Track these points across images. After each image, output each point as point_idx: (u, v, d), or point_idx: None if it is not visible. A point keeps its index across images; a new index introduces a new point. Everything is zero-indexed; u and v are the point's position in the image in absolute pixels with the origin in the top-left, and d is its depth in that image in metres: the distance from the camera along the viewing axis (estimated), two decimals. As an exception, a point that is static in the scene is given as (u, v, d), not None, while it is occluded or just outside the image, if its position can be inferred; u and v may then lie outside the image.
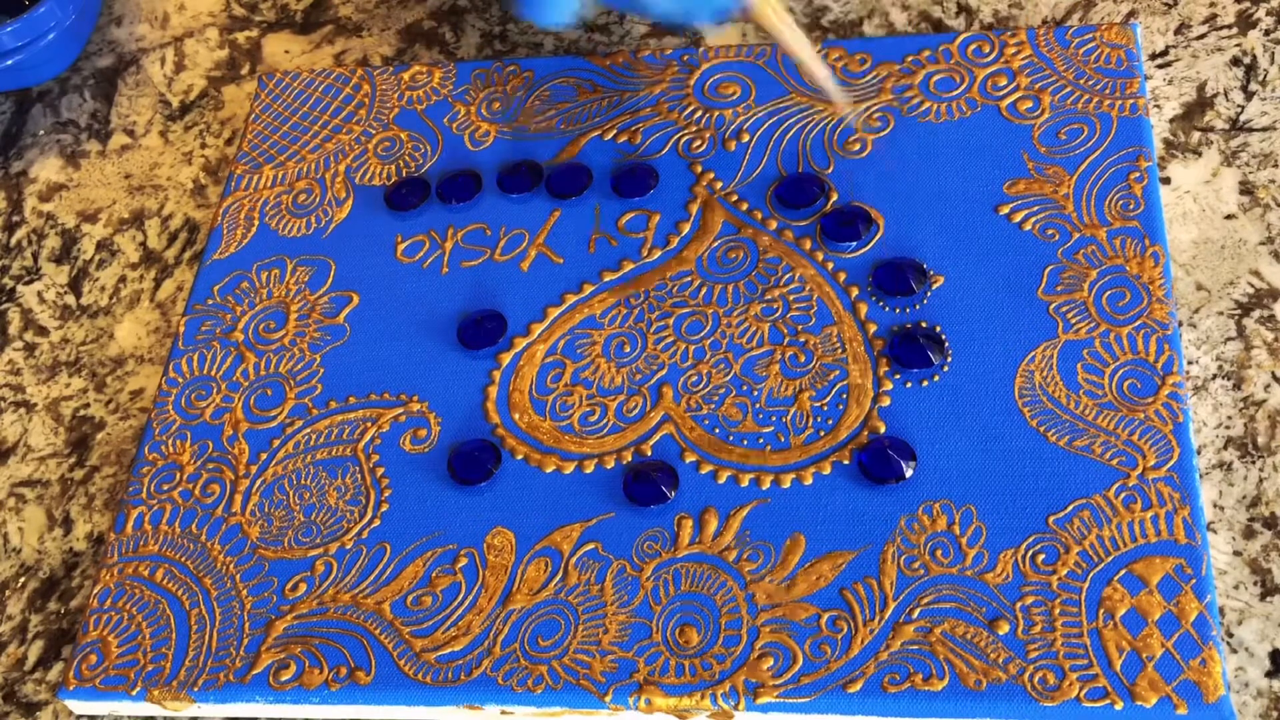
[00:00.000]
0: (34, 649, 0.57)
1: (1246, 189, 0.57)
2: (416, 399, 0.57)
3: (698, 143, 0.61)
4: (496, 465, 0.54)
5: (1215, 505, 0.50)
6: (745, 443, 0.53)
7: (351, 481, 0.55)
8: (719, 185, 0.60)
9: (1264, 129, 0.58)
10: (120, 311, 0.66)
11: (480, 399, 0.56)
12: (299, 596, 0.53)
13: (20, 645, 0.57)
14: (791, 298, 0.56)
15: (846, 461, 0.52)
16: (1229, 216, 0.56)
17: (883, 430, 0.52)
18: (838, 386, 0.54)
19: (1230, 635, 0.48)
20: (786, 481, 0.52)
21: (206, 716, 0.53)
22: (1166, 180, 0.57)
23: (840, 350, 0.54)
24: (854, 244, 0.57)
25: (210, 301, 0.62)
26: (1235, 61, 0.60)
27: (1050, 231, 0.55)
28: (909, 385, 0.53)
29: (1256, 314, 0.54)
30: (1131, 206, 0.55)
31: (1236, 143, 0.58)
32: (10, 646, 0.57)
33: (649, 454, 0.54)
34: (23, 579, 0.59)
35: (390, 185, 0.64)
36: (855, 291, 0.56)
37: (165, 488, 0.57)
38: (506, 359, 0.57)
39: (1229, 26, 0.61)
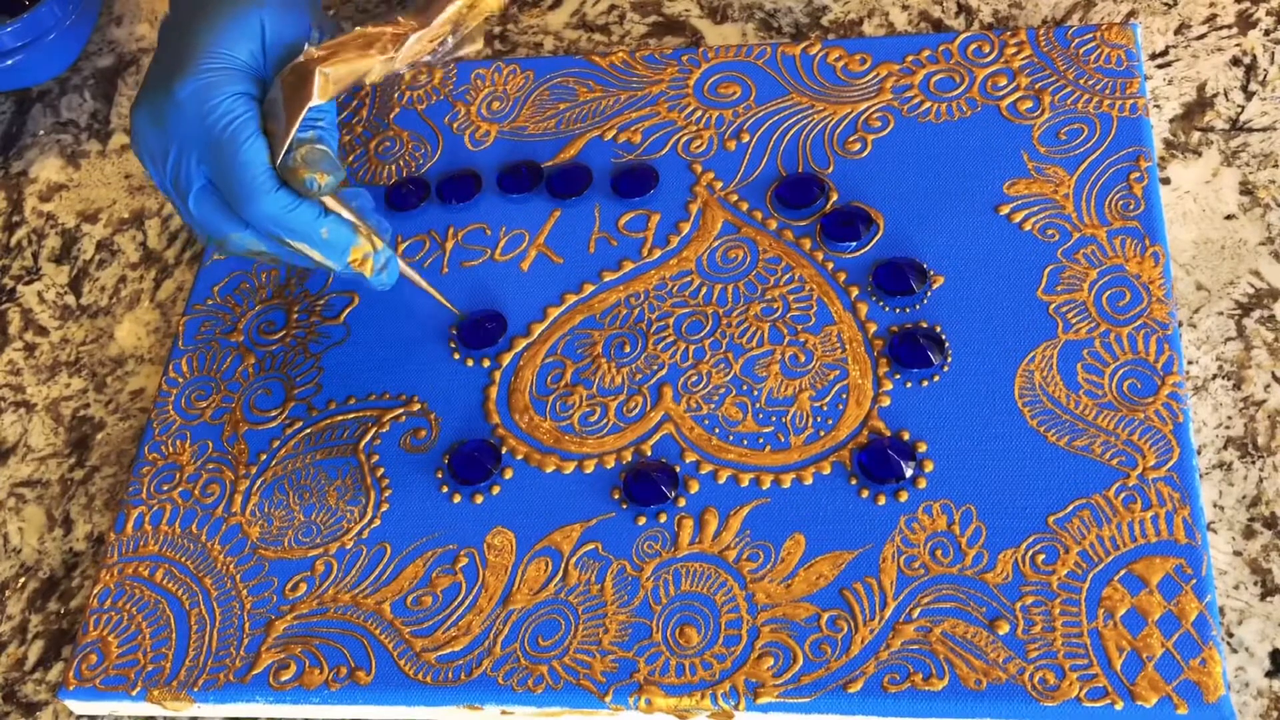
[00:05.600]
0: (34, 649, 0.57)
1: (1246, 189, 0.57)
2: (416, 399, 0.57)
3: (697, 143, 0.61)
4: (496, 465, 0.54)
5: (1215, 505, 0.50)
6: (745, 443, 0.53)
7: (351, 481, 0.55)
8: (719, 185, 0.60)
9: (1264, 129, 0.58)
10: (120, 311, 0.66)
11: (480, 399, 0.56)
12: (299, 597, 0.53)
13: (20, 645, 0.57)
14: (791, 298, 0.56)
15: (847, 462, 0.52)
16: (1229, 216, 0.56)
17: (883, 430, 0.52)
18: (838, 386, 0.54)
19: (1230, 635, 0.48)
20: (786, 481, 0.52)
21: (206, 716, 0.53)
22: (1166, 180, 0.57)
23: (840, 350, 0.54)
24: (854, 244, 0.57)
25: (210, 301, 0.62)
26: (1235, 61, 0.60)
27: (1050, 231, 0.55)
28: (909, 385, 0.53)
29: (1256, 314, 0.54)
30: (1131, 206, 0.55)
31: (1236, 143, 0.58)
32: (10, 646, 0.57)
33: (649, 454, 0.54)
34: (23, 579, 0.59)
35: (390, 185, 0.64)
36: (855, 291, 0.56)
37: (165, 488, 0.57)
38: (507, 359, 0.57)
39: (1229, 26, 0.61)
